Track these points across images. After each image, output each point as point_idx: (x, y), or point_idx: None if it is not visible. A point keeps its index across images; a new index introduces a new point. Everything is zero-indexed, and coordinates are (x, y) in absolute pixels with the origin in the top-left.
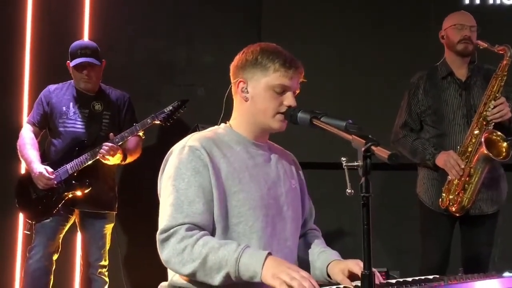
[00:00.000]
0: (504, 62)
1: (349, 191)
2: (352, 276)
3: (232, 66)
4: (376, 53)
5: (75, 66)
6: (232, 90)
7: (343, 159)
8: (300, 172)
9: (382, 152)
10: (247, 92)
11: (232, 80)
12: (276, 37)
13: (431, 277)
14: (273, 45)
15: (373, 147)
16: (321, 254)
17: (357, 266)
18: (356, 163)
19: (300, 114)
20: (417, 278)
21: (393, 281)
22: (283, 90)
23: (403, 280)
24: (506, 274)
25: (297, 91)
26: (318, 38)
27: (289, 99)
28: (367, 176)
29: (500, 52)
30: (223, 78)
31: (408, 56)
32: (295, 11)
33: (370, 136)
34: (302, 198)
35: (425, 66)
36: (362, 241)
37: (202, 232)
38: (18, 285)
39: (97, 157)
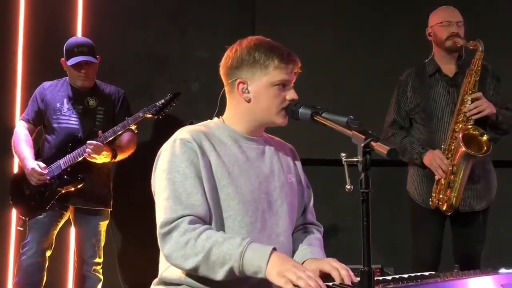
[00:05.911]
0: (477, 57)
1: (349, 187)
2: (324, 276)
3: (224, 66)
4: (373, 44)
5: (73, 65)
6: (226, 89)
7: (343, 154)
8: (298, 163)
9: (381, 148)
10: (248, 92)
11: (226, 80)
12: (270, 31)
13: (427, 273)
14: (267, 40)
15: (372, 143)
16: (303, 250)
17: (328, 265)
18: (355, 159)
19: (301, 110)
20: (413, 274)
21: (389, 277)
22: (284, 85)
23: (399, 277)
24: (502, 270)
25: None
26: (312, 29)
27: (291, 93)
28: (366, 172)
29: (473, 47)
30: (217, 72)
31: (407, 49)
32: (288, 4)
33: (370, 132)
34: (300, 191)
35: (421, 60)
36: (361, 237)
37: (205, 226)
38: (11, 282)
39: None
